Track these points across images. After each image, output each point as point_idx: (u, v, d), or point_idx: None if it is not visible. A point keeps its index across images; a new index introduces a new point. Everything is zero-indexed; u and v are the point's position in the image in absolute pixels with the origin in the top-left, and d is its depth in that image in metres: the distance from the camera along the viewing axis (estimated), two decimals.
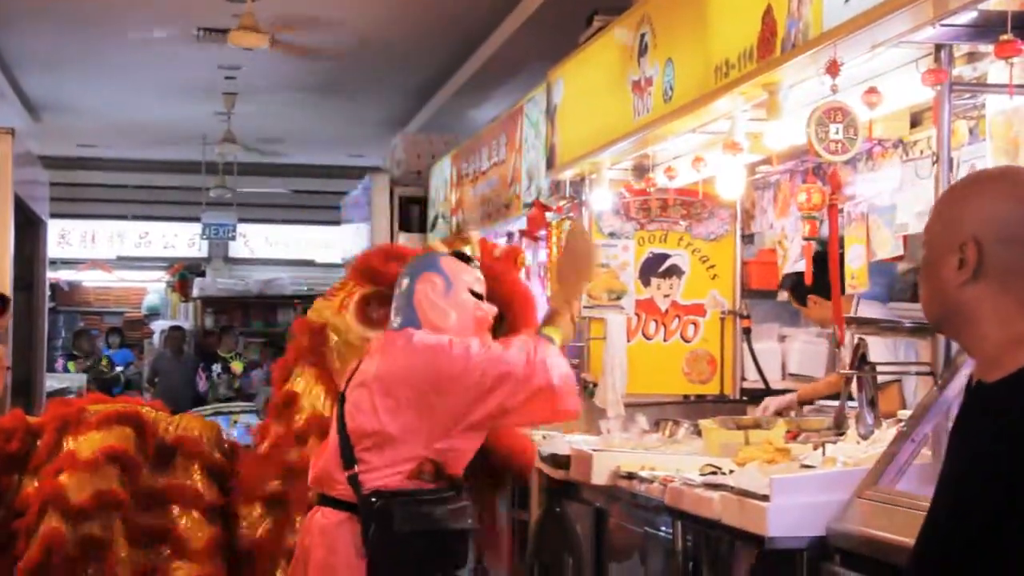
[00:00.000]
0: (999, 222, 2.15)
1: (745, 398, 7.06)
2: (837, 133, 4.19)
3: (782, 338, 7.20)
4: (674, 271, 7.08)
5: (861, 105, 4.30)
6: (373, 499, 3.96)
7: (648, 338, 7.07)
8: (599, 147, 6.41)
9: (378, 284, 4.60)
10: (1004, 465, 2.05)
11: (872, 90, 4.27)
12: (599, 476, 5.50)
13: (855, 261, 5.45)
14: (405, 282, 4.22)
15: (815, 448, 4.75)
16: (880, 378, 4.46)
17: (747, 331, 7.01)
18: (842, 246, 5.30)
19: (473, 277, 4.26)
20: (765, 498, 4.12)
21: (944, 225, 2.23)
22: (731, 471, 4.75)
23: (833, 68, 4.09)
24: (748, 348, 6.99)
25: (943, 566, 2.14)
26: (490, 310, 4.27)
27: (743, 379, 7.14)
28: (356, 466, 3.99)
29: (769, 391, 6.88)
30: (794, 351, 7.08)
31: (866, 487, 3.96)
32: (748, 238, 7.16)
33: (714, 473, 4.85)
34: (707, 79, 5.04)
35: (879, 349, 5.09)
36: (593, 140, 6.52)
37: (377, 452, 3.99)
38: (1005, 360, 2.14)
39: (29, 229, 10.49)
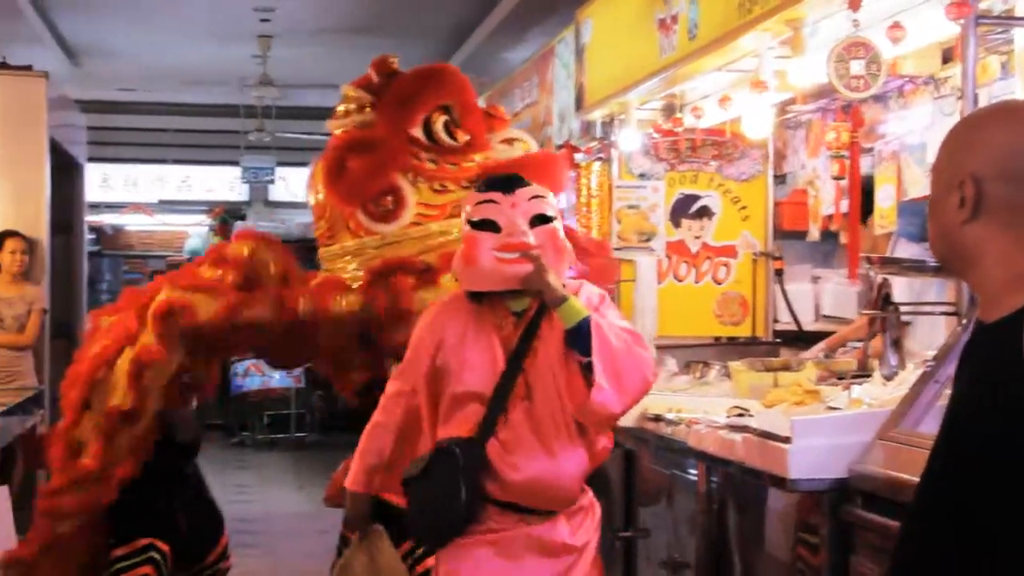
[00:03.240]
0: (1001, 158, 2.07)
1: (778, 340, 7.01)
2: (859, 69, 4.11)
3: (815, 279, 7.14)
4: (705, 212, 7.02)
5: (886, 41, 4.21)
6: None
7: (679, 280, 7.03)
8: (626, 87, 6.35)
9: None
10: (978, 409, 2.01)
11: (896, 25, 4.19)
12: (626, 418, 5.47)
13: (885, 201, 5.39)
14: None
15: (844, 390, 4.71)
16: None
17: (779, 272, 6.95)
18: (871, 185, 5.23)
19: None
20: (787, 440, 4.09)
21: (947, 161, 2.16)
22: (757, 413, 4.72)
23: (855, 2, 4.01)
24: (780, 290, 6.93)
25: (931, 508, 2.11)
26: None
27: (775, 321, 7.09)
28: None
29: (802, 333, 6.84)
30: (827, 292, 7.01)
31: (888, 428, 3.92)
32: (780, 178, 7.08)
33: (741, 415, 4.82)
34: (731, 15, 4.98)
35: (903, 289, 5.02)
36: (620, 80, 6.46)
37: None
38: (1004, 300, 2.08)
39: (66, 172, 10.56)
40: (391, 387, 3.94)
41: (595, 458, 3.85)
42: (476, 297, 3.82)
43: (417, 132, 4.60)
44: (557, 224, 3.73)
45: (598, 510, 3.99)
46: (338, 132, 4.87)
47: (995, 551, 1.95)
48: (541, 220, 3.70)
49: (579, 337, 3.60)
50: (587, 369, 3.59)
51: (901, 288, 5.09)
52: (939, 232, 2.19)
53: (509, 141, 4.85)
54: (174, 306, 4.60)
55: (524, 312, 3.77)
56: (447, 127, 4.64)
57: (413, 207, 4.63)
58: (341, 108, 4.96)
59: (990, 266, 2.09)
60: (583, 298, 3.72)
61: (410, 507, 3.79)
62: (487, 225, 3.71)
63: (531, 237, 3.65)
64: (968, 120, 2.24)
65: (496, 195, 3.72)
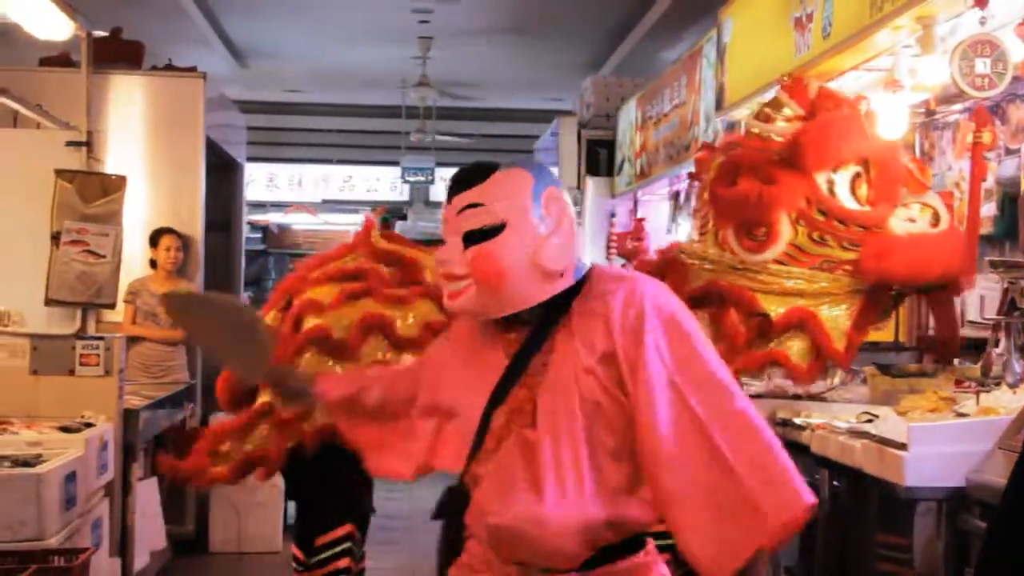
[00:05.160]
0: None
1: (922, 346, 6.84)
2: (984, 67, 3.99)
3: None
4: None
5: (1015, 40, 4.09)
6: None
7: None
8: (763, 86, 6.27)
9: None
10: None
11: None
12: None
13: None
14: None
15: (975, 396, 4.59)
16: None
17: None
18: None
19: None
20: (904, 447, 4.01)
21: None
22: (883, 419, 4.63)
23: None
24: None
25: (1009, 513, 2.05)
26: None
27: (919, 327, 6.91)
28: None
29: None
30: (973, 297, 6.81)
31: (1008, 437, 3.82)
32: None
33: (869, 421, 4.73)
34: (863, 13, 4.88)
35: None
36: (758, 79, 6.39)
37: None
38: None
39: (225, 171, 10.81)
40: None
41: (622, 524, 2.76)
42: None
43: (820, 178, 4.23)
44: (510, 232, 2.75)
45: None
46: (754, 131, 4.51)
47: None
48: (480, 236, 2.77)
49: None
50: None
51: None
52: None
53: (923, 208, 4.30)
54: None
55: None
56: (853, 182, 4.25)
57: (783, 246, 4.28)
58: (769, 110, 4.54)
59: None
60: (616, 312, 2.74)
61: None
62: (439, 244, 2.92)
63: (456, 265, 2.80)
64: None
65: (446, 205, 2.90)
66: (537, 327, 2.83)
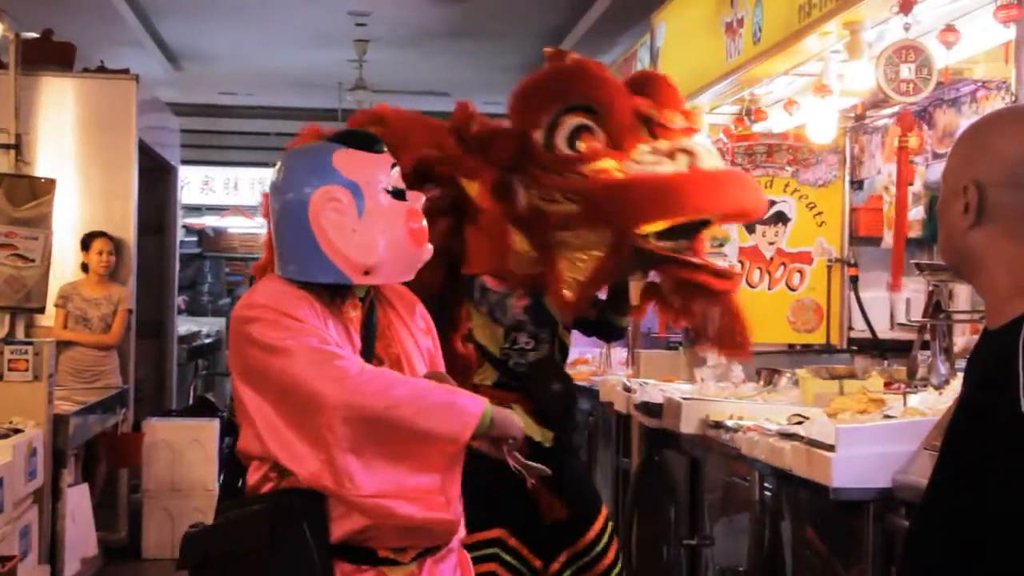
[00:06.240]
0: (1006, 165, 2.02)
1: (853, 348, 6.91)
2: (909, 73, 4.04)
3: (890, 287, 7.02)
4: (780, 218, 6.93)
5: (939, 45, 4.14)
6: None
7: (752, 286, 6.94)
8: (696, 91, 6.31)
9: None
10: (974, 414, 1.97)
11: (950, 28, 4.11)
12: (688, 424, 5.46)
13: None
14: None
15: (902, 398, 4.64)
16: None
17: (854, 279, 6.85)
18: None
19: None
20: (831, 448, 4.04)
21: (954, 166, 2.12)
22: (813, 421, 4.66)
23: (906, 5, 3.95)
24: (855, 297, 6.84)
25: (927, 513, 2.07)
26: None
27: (850, 328, 6.99)
28: None
29: (877, 341, 6.74)
30: (903, 300, 6.90)
31: (933, 438, 3.85)
32: (857, 184, 6.98)
33: (800, 423, 4.77)
34: (792, 19, 4.93)
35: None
36: (690, 84, 6.42)
37: None
38: (1007, 308, 2.04)
39: (158, 175, 10.74)
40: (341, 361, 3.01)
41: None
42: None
43: (539, 135, 3.99)
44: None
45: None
46: None
47: (983, 557, 1.91)
48: None
49: None
50: None
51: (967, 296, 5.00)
52: (945, 237, 2.15)
53: (675, 153, 3.92)
54: None
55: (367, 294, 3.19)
56: (574, 134, 3.97)
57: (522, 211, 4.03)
58: None
59: (995, 273, 2.05)
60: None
61: None
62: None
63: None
64: (975, 125, 2.19)
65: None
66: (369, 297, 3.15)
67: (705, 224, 3.93)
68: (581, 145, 3.95)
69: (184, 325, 14.26)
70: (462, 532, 3.21)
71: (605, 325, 4.84)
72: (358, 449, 2.90)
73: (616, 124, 3.91)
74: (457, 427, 2.95)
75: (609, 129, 3.92)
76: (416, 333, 3.27)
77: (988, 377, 2.00)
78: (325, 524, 2.93)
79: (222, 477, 3.43)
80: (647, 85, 4.09)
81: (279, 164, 3.17)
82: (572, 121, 3.97)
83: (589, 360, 8.81)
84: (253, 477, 3.03)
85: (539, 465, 3.25)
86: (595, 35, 12.52)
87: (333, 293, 3.10)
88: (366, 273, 3.07)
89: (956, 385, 4.22)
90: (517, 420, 3.10)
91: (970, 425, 2.00)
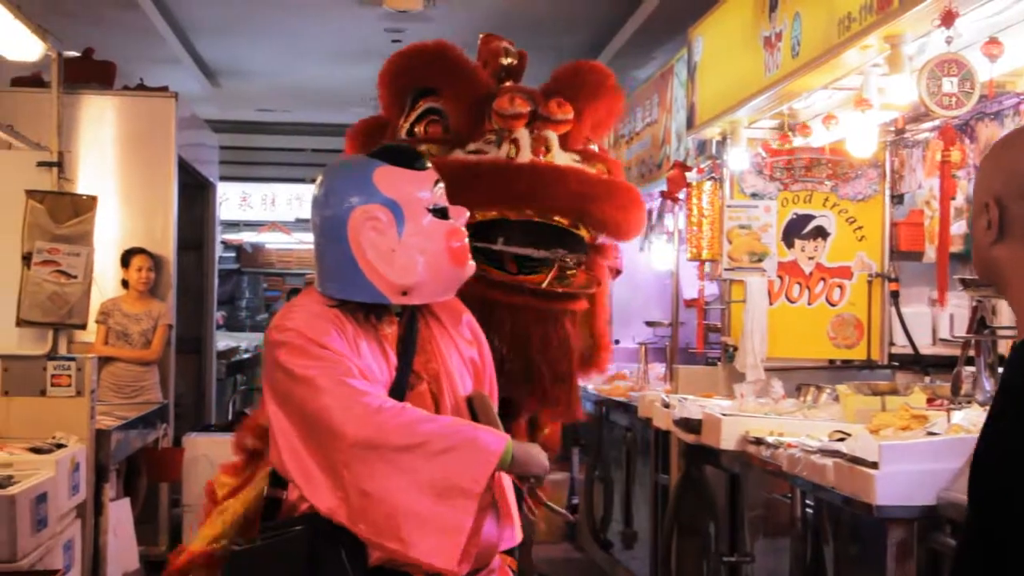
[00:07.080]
0: (1021, 180, 2.02)
1: (894, 363, 6.88)
2: (951, 87, 4.02)
3: (932, 302, 6.98)
4: (819, 233, 6.92)
5: (983, 58, 4.11)
6: None
7: (792, 301, 6.93)
8: (733, 105, 6.30)
9: None
10: (1001, 429, 1.96)
11: (993, 41, 4.08)
12: (728, 441, 5.44)
13: None
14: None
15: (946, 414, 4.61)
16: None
17: (895, 294, 6.84)
18: None
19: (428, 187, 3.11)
20: (874, 465, 4.01)
21: (978, 183, 2.13)
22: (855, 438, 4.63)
23: (948, 18, 3.92)
24: (896, 312, 6.81)
25: (966, 526, 2.07)
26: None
27: (891, 344, 6.95)
28: None
29: (918, 356, 6.71)
30: (945, 315, 6.86)
31: None
32: (897, 198, 6.95)
33: (841, 440, 4.74)
34: (831, 33, 4.90)
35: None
36: (728, 98, 6.41)
37: None
38: None
39: (197, 191, 10.80)
40: (364, 397, 2.93)
41: None
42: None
43: (406, 124, 3.94)
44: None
45: None
46: None
47: (1005, 570, 1.91)
48: None
49: None
50: None
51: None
52: (975, 253, 2.15)
53: (504, 142, 3.80)
54: None
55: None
56: (423, 116, 3.92)
57: None
58: None
59: (1020, 287, 2.04)
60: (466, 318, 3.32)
61: None
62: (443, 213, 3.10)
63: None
64: (999, 142, 2.19)
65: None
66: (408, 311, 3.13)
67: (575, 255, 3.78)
68: (418, 128, 3.89)
69: (222, 341, 14.32)
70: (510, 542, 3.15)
71: None
72: (373, 488, 2.83)
73: (456, 115, 3.86)
74: (479, 468, 2.84)
75: (449, 113, 3.87)
76: (461, 345, 3.21)
77: (1016, 390, 1.99)
78: (363, 548, 2.89)
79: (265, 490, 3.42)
80: (576, 76, 4.05)
81: (320, 179, 3.13)
82: (424, 105, 3.95)
83: (627, 376, 8.79)
84: (294, 493, 3.03)
85: (563, 511, 3.22)
86: (630, 50, 12.50)
87: (368, 311, 3.07)
88: (404, 294, 3.04)
89: None
90: (541, 457, 3.00)
91: (999, 438, 1.99)
